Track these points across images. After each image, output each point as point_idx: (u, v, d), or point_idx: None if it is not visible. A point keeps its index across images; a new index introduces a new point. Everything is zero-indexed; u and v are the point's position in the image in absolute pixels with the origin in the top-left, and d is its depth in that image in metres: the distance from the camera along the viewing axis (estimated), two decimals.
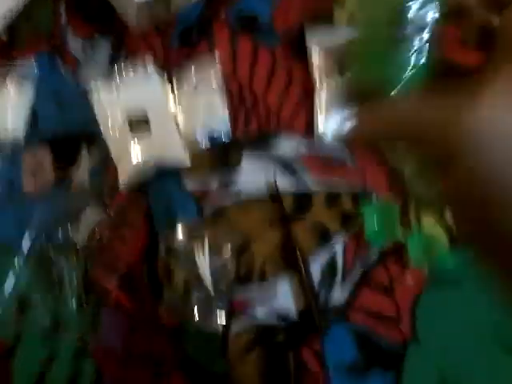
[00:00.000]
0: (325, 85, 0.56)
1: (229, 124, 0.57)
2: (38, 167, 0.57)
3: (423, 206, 0.52)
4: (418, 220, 0.51)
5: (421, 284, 0.49)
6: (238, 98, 0.59)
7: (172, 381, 0.49)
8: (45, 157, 0.58)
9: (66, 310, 0.51)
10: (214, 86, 0.57)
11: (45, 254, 0.53)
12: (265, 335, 0.50)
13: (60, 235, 0.53)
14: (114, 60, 0.60)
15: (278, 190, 0.53)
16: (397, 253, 0.50)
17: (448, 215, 0.51)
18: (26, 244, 0.53)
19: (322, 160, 0.55)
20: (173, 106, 0.58)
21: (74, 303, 0.51)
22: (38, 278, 0.52)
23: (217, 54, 0.59)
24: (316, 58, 0.58)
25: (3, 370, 0.51)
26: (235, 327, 0.50)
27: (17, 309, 0.51)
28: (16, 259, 0.52)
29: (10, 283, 0.52)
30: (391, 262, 0.50)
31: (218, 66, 0.58)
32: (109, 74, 0.59)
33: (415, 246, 0.50)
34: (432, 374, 0.46)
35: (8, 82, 0.59)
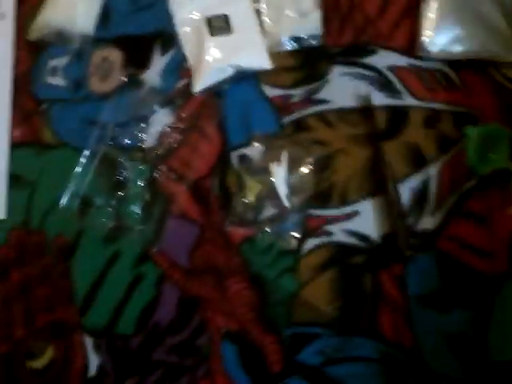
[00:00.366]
0: None
1: (320, 28, 0.64)
2: (108, 66, 0.68)
3: None
4: None
5: None
6: (331, 4, 0.66)
7: (234, 287, 0.59)
8: (115, 55, 0.68)
9: (130, 213, 0.61)
10: None
11: (111, 155, 0.63)
12: (341, 255, 0.57)
13: (128, 137, 0.64)
14: None
15: (371, 103, 0.61)
16: (501, 181, 0.58)
17: None
18: (91, 144, 0.63)
19: (424, 78, 0.63)
20: (257, 6, 0.66)
21: (138, 207, 0.61)
22: (103, 179, 0.62)
23: None
24: None
25: (64, 267, 0.60)
26: (309, 244, 0.58)
27: (80, 208, 0.61)
28: (81, 159, 0.63)
29: (74, 182, 0.62)
30: (493, 191, 0.58)
31: None
32: None
33: None
34: None
35: None
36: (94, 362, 0.59)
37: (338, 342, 0.56)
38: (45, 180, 0.66)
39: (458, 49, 0.63)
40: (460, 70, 0.63)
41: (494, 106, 0.62)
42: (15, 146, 0.67)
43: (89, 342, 0.60)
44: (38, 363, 0.59)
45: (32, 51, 0.71)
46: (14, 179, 0.66)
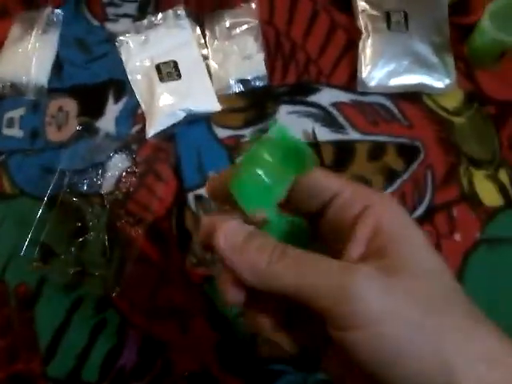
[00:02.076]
0: (371, 34, 0.61)
1: (265, 69, 0.61)
2: (63, 115, 0.64)
3: (475, 163, 0.57)
4: (469, 177, 0.57)
5: (470, 242, 0.54)
6: (275, 45, 0.64)
7: (197, 328, 0.53)
8: (70, 105, 0.64)
9: (91, 258, 0.56)
10: (249, 32, 0.63)
11: (69, 201, 0.58)
12: None
13: (85, 183, 0.59)
14: (143, 6, 0.68)
15: (316, 139, 0.58)
16: (445, 210, 0.55)
17: (502, 173, 0.56)
18: (50, 192, 0.58)
19: (366, 111, 0.60)
20: (204, 51, 0.64)
21: (98, 252, 0.56)
22: (62, 226, 0.57)
23: (250, 1, 0.64)
24: (361, 3, 0.63)
25: (27, 317, 0.55)
26: None
27: (40, 256, 0.56)
28: (41, 207, 0.57)
29: (34, 230, 0.56)
30: (439, 219, 0.55)
31: (254, 12, 0.64)
32: (138, 20, 0.66)
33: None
34: None
35: (32, 28, 0.66)
36: None
37: (300, 377, 0.52)
38: (4, 229, 0.60)
39: (394, 82, 0.61)
40: (398, 102, 0.61)
41: (432, 136, 0.60)
42: None
43: None
44: None
45: None
46: None
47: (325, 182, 0.27)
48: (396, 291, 0.22)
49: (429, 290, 0.23)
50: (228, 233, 0.26)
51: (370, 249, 0.24)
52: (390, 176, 0.58)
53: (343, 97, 0.62)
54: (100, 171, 0.61)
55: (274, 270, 0.24)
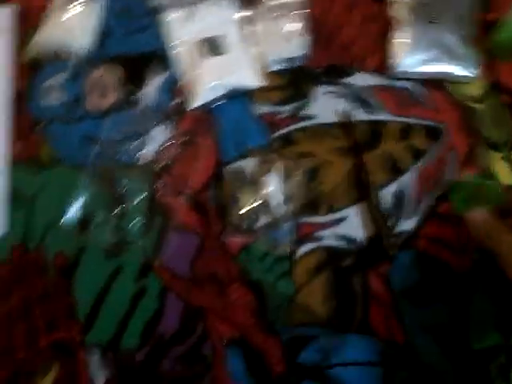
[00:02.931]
0: (403, 24, 0.58)
1: (305, 51, 0.56)
2: (104, 84, 0.56)
3: (492, 145, 0.56)
4: (487, 157, 0.56)
5: None
6: (313, 29, 0.58)
7: (234, 294, 0.50)
8: (111, 74, 0.57)
9: (131, 227, 0.50)
10: (292, 14, 0.58)
11: (109, 171, 0.52)
12: (332, 258, 0.50)
13: (125, 153, 0.53)
14: None
15: (351, 118, 0.54)
16: None
17: None
18: (90, 161, 0.52)
19: (396, 95, 0.56)
20: (246, 29, 0.57)
21: (138, 221, 0.50)
22: (102, 196, 0.51)
23: None
24: None
25: (65, 284, 0.49)
26: (302, 249, 0.50)
27: (80, 225, 0.50)
28: (80, 176, 0.52)
29: (74, 199, 0.51)
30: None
31: None
32: None
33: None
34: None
35: None
36: (100, 377, 0.46)
37: (334, 340, 0.49)
38: (43, 198, 0.52)
39: (423, 70, 0.57)
40: (426, 88, 0.57)
41: (456, 120, 0.57)
42: (14, 163, 0.54)
43: (94, 357, 0.47)
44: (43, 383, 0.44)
45: (30, 69, 0.58)
46: (14, 196, 0.53)
47: None
48: None
49: None
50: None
51: None
52: (417, 155, 0.53)
53: (375, 80, 0.55)
54: (140, 142, 0.52)
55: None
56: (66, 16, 0.56)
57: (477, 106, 0.56)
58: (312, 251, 0.50)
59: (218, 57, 0.56)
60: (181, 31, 0.57)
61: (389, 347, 0.46)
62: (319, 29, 0.59)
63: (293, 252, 0.50)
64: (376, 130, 0.54)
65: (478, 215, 0.46)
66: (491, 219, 0.44)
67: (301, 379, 0.45)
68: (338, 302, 0.49)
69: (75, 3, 0.57)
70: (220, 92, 0.54)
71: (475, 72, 0.55)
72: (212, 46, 0.56)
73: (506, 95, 0.55)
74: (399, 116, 0.55)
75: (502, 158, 0.54)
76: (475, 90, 0.56)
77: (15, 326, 0.47)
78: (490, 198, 0.48)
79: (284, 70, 0.56)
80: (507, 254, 0.37)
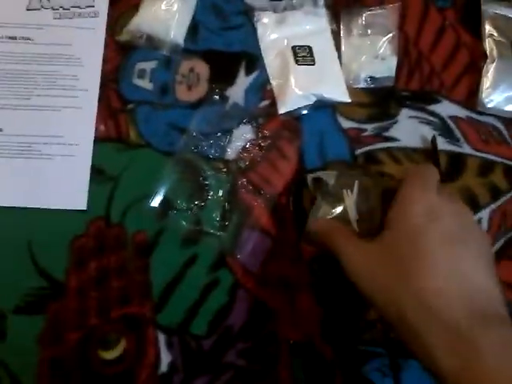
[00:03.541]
0: (496, 59, 0.61)
1: (394, 73, 0.60)
2: (194, 77, 0.61)
3: None
4: None
5: None
6: (403, 51, 0.61)
7: (303, 302, 0.53)
8: (202, 68, 0.61)
9: (210, 219, 0.54)
10: (384, 33, 0.62)
11: (195, 162, 0.56)
12: None
13: (212, 147, 0.57)
14: None
15: (436, 146, 0.57)
16: None
17: None
18: (177, 149, 0.57)
19: (481, 130, 0.60)
20: (337, 42, 0.62)
21: (217, 214, 0.54)
22: (185, 184, 0.55)
23: (388, 5, 0.63)
24: (489, 28, 0.62)
25: (142, 262, 0.53)
26: None
27: (162, 208, 0.54)
28: (165, 162, 0.56)
29: (157, 183, 0.55)
30: None
31: (391, 16, 0.62)
32: (275, 2, 0.63)
33: None
34: None
35: None
36: (165, 358, 0.51)
37: (394, 363, 0.52)
38: (127, 177, 0.57)
39: (510, 108, 0.61)
40: (511, 127, 0.61)
41: None
42: (100, 140, 0.58)
43: (162, 338, 0.51)
44: (111, 354, 0.51)
45: (121, 51, 0.62)
46: (97, 173, 0.56)
47: None
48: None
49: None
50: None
51: None
52: (495, 193, 0.57)
53: (461, 112, 0.59)
54: (227, 138, 0.57)
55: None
56: (161, 5, 0.61)
57: None
58: None
59: (309, 66, 0.60)
60: (272, 35, 0.62)
61: None
62: (410, 51, 0.63)
63: None
64: (457, 162, 0.58)
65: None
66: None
67: None
68: None
69: None
70: (308, 101, 0.58)
71: None
72: (303, 54, 0.61)
73: None
74: (481, 151, 0.59)
75: None
76: None
77: (90, 294, 0.52)
78: None
79: (372, 88, 0.60)
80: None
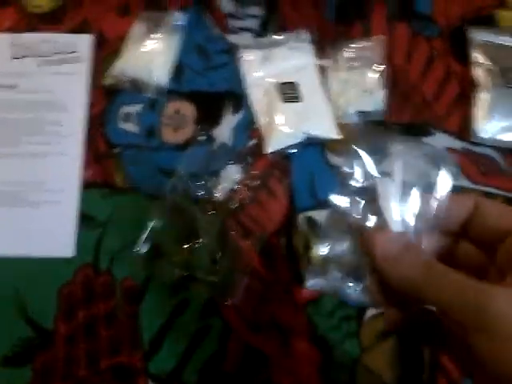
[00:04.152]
0: (486, 87, 0.63)
1: (383, 106, 0.62)
2: (180, 118, 0.63)
3: None
4: None
5: None
6: (392, 83, 0.64)
7: (299, 347, 0.53)
8: (187, 109, 0.64)
9: (200, 264, 0.55)
10: (371, 66, 0.64)
11: (183, 205, 0.57)
12: None
13: (200, 189, 0.58)
14: (265, 23, 0.68)
15: (430, 180, 0.65)
16: None
17: None
18: (165, 192, 0.57)
19: (477, 161, 0.61)
20: (324, 78, 0.64)
21: (208, 258, 0.55)
22: (174, 228, 0.56)
23: (373, 37, 0.66)
24: (477, 56, 0.64)
25: (131, 309, 0.54)
26: (371, 311, 0.55)
27: (149, 254, 0.55)
28: (153, 206, 0.56)
29: (145, 228, 0.55)
30: None
31: (377, 49, 0.65)
32: (259, 36, 0.66)
33: None
34: None
35: (156, 29, 0.66)
36: None
37: None
38: (115, 222, 0.59)
39: (506, 138, 0.62)
40: (509, 157, 0.62)
41: None
42: (87, 185, 0.61)
43: None
44: None
45: (107, 95, 0.65)
46: (84, 219, 0.59)
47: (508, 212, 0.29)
48: None
49: None
50: (383, 243, 0.30)
51: None
52: None
53: (456, 144, 0.63)
54: (215, 179, 0.60)
55: (419, 283, 0.27)
56: (144, 48, 0.65)
57: None
58: (381, 314, 0.55)
59: (295, 103, 0.62)
60: (257, 73, 0.65)
61: None
62: (399, 82, 0.65)
63: (361, 312, 0.55)
64: None
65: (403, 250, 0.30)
66: (426, 257, 0.29)
67: None
68: (404, 370, 0.53)
69: (154, 36, 0.66)
70: (296, 139, 0.61)
71: None
72: (289, 92, 0.63)
73: None
74: (480, 184, 0.61)
75: None
76: None
77: (78, 343, 0.54)
78: None
79: (362, 123, 0.62)
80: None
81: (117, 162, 0.62)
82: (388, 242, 0.30)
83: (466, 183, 0.60)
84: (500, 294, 0.24)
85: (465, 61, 0.66)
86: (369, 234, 0.31)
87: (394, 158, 0.61)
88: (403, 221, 0.32)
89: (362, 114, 0.63)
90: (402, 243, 0.29)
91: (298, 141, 0.61)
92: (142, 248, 0.55)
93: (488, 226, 0.29)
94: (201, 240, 0.56)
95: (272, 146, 0.60)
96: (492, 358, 0.24)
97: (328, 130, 0.61)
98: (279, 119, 0.62)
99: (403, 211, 0.32)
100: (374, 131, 0.62)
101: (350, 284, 0.55)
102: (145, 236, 0.55)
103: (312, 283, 0.57)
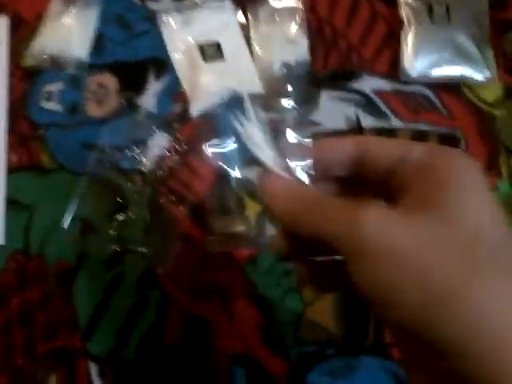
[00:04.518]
0: (413, 25, 0.62)
1: (308, 56, 0.61)
2: (103, 91, 0.62)
3: None
4: (509, 167, 0.57)
5: None
6: (316, 32, 0.63)
7: (240, 309, 0.53)
8: (110, 81, 0.62)
9: (132, 236, 0.54)
10: (293, 17, 0.62)
11: (110, 178, 0.56)
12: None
13: (126, 160, 0.57)
14: None
15: (360, 125, 0.58)
16: None
17: None
18: (90, 167, 0.56)
19: (407, 100, 0.60)
20: (246, 34, 0.63)
21: (140, 229, 0.54)
22: (103, 202, 0.55)
23: None
24: None
25: (65, 291, 0.53)
26: None
27: (80, 232, 0.54)
28: (80, 183, 0.55)
29: (74, 206, 0.55)
30: None
31: None
32: (178, 3, 0.64)
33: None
34: None
35: (73, 3, 0.65)
36: None
37: (345, 361, 0.51)
38: (43, 204, 0.58)
39: (435, 73, 0.61)
40: (439, 93, 0.61)
41: (472, 126, 0.60)
42: (12, 170, 0.59)
43: (93, 368, 0.52)
44: None
45: (26, 77, 0.63)
46: (12, 204, 0.58)
47: (393, 144, 0.28)
48: (416, 226, 0.22)
49: (464, 237, 0.22)
50: (272, 183, 0.32)
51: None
52: None
53: (385, 85, 0.61)
54: (141, 148, 0.59)
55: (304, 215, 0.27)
56: (61, 24, 0.63)
57: (495, 110, 0.61)
58: None
59: (219, 62, 0.61)
60: (179, 36, 0.63)
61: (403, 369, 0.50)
62: (324, 31, 0.64)
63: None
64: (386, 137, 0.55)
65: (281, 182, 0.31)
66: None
67: None
68: (349, 320, 0.53)
69: (70, 12, 0.64)
70: (222, 98, 0.60)
71: (491, 75, 0.61)
72: (212, 51, 0.62)
73: None
74: (410, 123, 0.60)
75: None
76: (492, 94, 0.61)
77: (14, 333, 0.52)
78: None
79: (288, 75, 0.61)
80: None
81: (42, 143, 0.60)
82: (276, 182, 0.32)
83: (398, 124, 0.59)
84: (370, 213, 0.23)
85: (389, 1, 0.64)
86: (261, 178, 0.33)
87: (322, 107, 0.60)
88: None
89: (287, 65, 0.61)
90: (288, 182, 0.31)
91: (224, 100, 0.59)
92: (71, 226, 0.55)
93: (378, 163, 0.28)
94: (131, 211, 0.55)
95: (197, 108, 0.59)
96: (361, 282, 0.23)
97: (253, 86, 0.59)
98: (203, 80, 0.60)
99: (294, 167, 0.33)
100: (300, 82, 0.61)
101: None
102: (71, 214, 0.54)
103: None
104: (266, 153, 0.34)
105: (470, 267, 0.21)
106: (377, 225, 0.23)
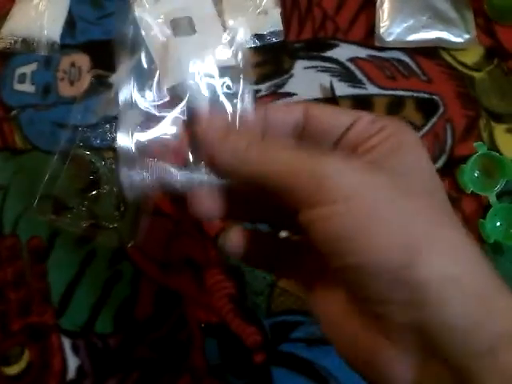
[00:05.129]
0: None
1: (281, 25, 0.60)
2: (76, 71, 0.62)
3: (495, 117, 0.57)
4: (489, 130, 0.57)
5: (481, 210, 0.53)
6: (290, 1, 0.62)
7: (211, 280, 0.53)
8: (82, 60, 0.63)
9: (104, 212, 0.55)
10: None
11: (82, 156, 0.57)
12: None
13: (98, 137, 0.58)
14: None
15: (334, 94, 0.57)
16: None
17: None
18: (62, 146, 0.57)
19: (384, 66, 0.59)
20: (218, 6, 0.62)
21: (112, 205, 0.55)
22: (75, 180, 0.56)
23: None
24: None
25: (39, 270, 0.54)
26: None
27: (53, 210, 0.55)
28: (52, 161, 0.56)
29: (46, 184, 0.55)
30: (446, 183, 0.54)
31: None
32: None
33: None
34: None
35: None
36: (72, 363, 0.52)
37: (317, 328, 0.46)
38: (16, 185, 0.59)
39: (412, 38, 0.60)
40: (417, 58, 0.60)
41: (451, 90, 0.59)
42: None
43: (66, 343, 0.53)
44: (14, 369, 0.52)
45: (0, 60, 0.64)
46: None
47: (339, 112, 0.28)
48: (372, 172, 0.23)
49: (412, 184, 0.23)
50: (212, 121, 0.30)
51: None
52: None
53: (360, 52, 0.60)
54: (113, 125, 0.59)
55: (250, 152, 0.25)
56: (33, 6, 0.64)
57: (475, 74, 0.60)
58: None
59: (189, 36, 0.61)
60: (150, 13, 0.63)
61: None
62: (296, 1, 0.64)
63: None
64: (363, 105, 0.58)
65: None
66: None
67: (281, 368, 0.50)
68: None
69: None
70: (194, 71, 0.56)
71: (470, 37, 0.60)
72: (183, 26, 0.62)
73: (510, 60, 0.59)
74: (387, 89, 0.59)
75: (508, 129, 0.57)
76: (472, 57, 0.60)
77: None
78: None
79: (261, 46, 0.61)
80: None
81: (15, 125, 0.61)
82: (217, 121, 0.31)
83: (375, 90, 0.57)
84: (332, 161, 0.23)
85: None
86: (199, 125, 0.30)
87: (297, 77, 0.60)
88: None
89: (259, 36, 0.61)
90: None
91: (195, 73, 0.59)
92: (44, 204, 0.55)
93: (323, 129, 0.28)
94: (103, 188, 0.55)
95: (168, 83, 0.58)
96: (319, 229, 0.22)
97: (227, 58, 0.59)
98: (173, 55, 0.59)
99: None
100: (273, 53, 0.60)
101: None
102: (43, 192, 0.55)
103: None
104: None
105: (427, 215, 0.22)
106: (338, 167, 0.22)
